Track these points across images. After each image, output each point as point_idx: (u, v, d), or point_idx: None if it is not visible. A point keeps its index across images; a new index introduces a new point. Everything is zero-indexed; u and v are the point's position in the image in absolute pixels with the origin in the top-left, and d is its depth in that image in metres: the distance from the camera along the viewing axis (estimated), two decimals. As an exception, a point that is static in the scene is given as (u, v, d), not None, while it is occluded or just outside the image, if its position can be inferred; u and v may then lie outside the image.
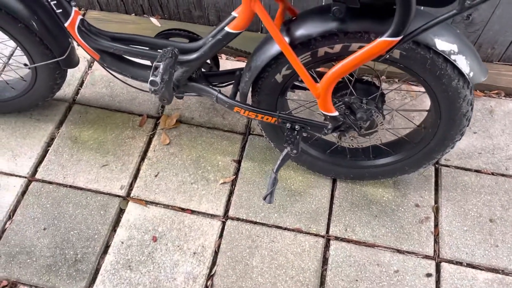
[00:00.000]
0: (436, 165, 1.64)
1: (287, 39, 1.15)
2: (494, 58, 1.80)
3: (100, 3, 2.01)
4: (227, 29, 1.18)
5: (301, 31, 1.14)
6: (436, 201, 1.57)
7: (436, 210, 1.55)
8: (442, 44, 1.09)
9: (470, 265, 1.45)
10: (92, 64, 1.92)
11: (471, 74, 1.14)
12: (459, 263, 1.45)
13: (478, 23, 1.67)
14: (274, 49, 1.20)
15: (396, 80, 1.84)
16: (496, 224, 1.52)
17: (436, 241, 1.49)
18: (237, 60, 1.93)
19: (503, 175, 1.62)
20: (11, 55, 1.92)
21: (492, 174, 1.62)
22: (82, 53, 1.73)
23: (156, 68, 1.14)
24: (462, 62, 1.12)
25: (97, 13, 2.03)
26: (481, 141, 1.69)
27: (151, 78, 1.14)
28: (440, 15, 0.98)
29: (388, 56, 1.11)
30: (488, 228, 1.51)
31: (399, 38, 1.01)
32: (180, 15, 1.96)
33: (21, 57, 1.59)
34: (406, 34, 1.01)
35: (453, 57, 1.10)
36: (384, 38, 1.01)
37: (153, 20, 1.99)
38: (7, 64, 1.89)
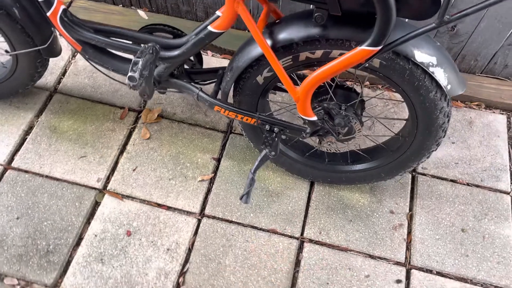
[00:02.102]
0: (413, 173, 1.66)
1: (269, 42, 1.15)
2: (477, 70, 1.82)
3: (88, -8, 1.98)
4: (210, 28, 1.18)
5: (283, 35, 1.14)
6: (410, 209, 1.59)
7: (410, 218, 1.57)
8: (422, 56, 1.10)
9: (439, 274, 1.47)
10: (75, 54, 1.90)
11: (448, 87, 1.15)
12: (429, 271, 1.47)
13: (462, 34, 1.69)
14: (256, 50, 1.20)
15: (380, 87, 1.86)
16: (467, 234, 1.54)
17: (408, 248, 1.51)
18: (223, 58, 1.92)
19: (477, 186, 1.64)
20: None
21: (468, 184, 1.64)
22: (65, 42, 1.70)
23: (135, 63, 1.13)
24: (440, 75, 1.13)
25: (83, 2, 2.00)
26: (458, 151, 1.71)
27: (129, 74, 1.13)
28: (420, 28, 0.99)
29: (367, 64, 1.12)
30: (460, 238, 1.53)
31: (378, 48, 1.02)
32: (168, 9, 1.94)
33: (2, 43, 1.56)
34: (386, 44, 1.02)
35: (431, 69, 1.12)
36: (363, 47, 1.02)
37: (141, 12, 1.97)
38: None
